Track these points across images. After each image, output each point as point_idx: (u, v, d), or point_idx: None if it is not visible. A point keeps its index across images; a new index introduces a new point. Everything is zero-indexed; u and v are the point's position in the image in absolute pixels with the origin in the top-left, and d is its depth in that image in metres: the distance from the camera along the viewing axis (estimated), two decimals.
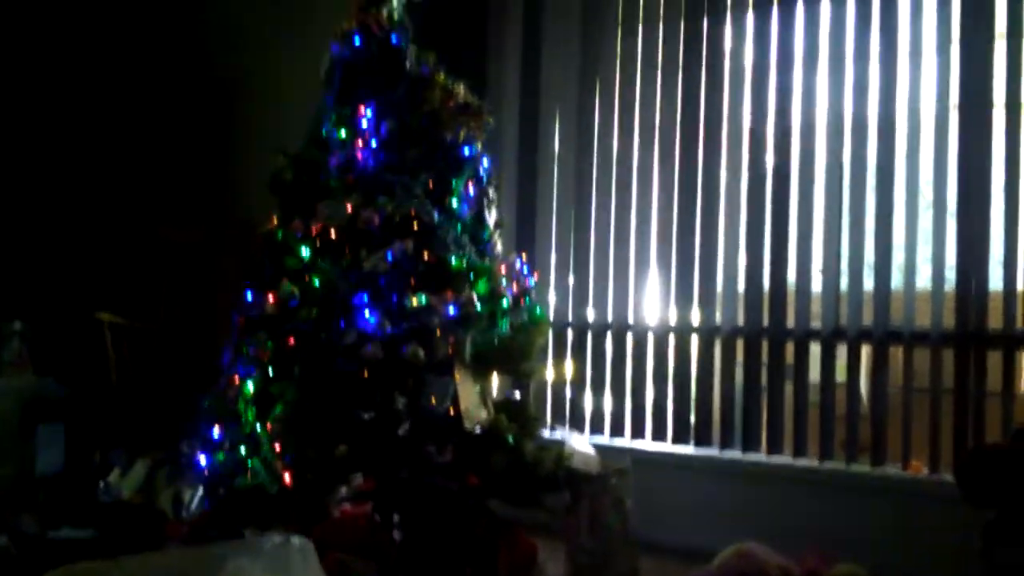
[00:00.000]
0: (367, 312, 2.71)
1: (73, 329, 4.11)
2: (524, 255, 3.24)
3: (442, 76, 2.99)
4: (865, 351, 3.47)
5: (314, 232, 2.81)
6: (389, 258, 2.76)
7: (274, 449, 2.70)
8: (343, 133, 2.91)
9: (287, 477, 2.69)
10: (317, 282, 2.76)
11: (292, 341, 2.72)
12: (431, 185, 2.92)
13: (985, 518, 2.29)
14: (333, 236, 2.80)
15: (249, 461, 2.74)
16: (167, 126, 4.66)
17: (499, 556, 2.72)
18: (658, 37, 3.81)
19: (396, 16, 3.00)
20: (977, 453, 2.69)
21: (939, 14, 3.32)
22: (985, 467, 2.19)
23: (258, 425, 2.73)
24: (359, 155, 2.86)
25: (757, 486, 3.48)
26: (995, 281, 3.25)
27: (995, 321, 3.22)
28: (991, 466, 2.17)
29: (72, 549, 2.56)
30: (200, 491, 2.84)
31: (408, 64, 2.95)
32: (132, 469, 3.00)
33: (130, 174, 4.57)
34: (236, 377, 2.77)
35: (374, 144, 2.87)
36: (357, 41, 2.94)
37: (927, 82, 3.35)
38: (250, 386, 2.75)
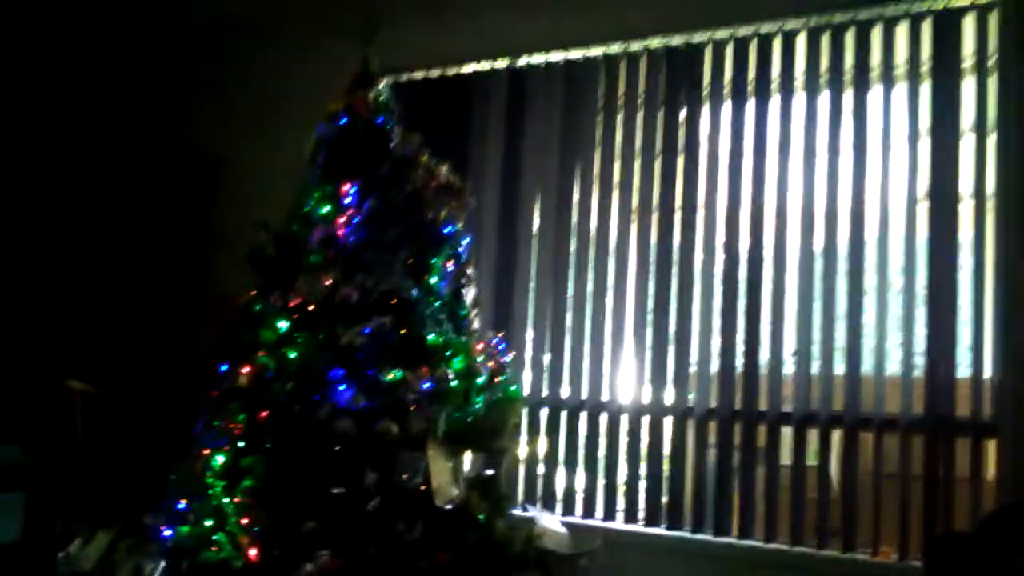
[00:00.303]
0: (342, 386, 2.70)
1: (41, 397, 4.06)
2: (501, 333, 3.26)
3: (425, 157, 3.05)
4: (836, 435, 3.50)
5: (292, 305, 2.82)
6: (366, 333, 2.77)
7: (241, 523, 2.67)
8: (326, 209, 2.95)
9: (253, 552, 2.65)
10: (293, 355, 2.76)
11: (265, 414, 2.71)
12: (411, 262, 2.95)
13: None
14: (311, 310, 2.81)
15: (215, 534, 2.70)
16: (150, 198, 4.69)
17: None
18: (636, 123, 3.91)
19: (382, 98, 3.08)
20: (945, 542, 2.70)
21: (909, 108, 3.45)
22: (953, 554, 2.20)
23: (226, 498, 2.69)
24: (341, 231, 2.90)
25: (728, 570, 3.46)
26: (963, 368, 3.31)
27: (963, 408, 3.27)
28: (959, 555, 2.18)
29: None
30: (162, 564, 2.79)
31: (392, 145, 3.02)
32: (94, 540, 2.94)
33: (110, 244, 4.58)
34: (206, 449, 2.75)
35: (356, 221, 2.91)
36: (343, 121, 3.00)
37: (897, 173, 3.46)
38: (219, 458, 2.72)
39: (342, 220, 2.92)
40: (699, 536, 3.57)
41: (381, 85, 3.12)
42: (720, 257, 3.69)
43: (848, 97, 3.55)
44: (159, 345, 4.24)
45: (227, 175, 4.77)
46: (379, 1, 4.30)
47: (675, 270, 3.76)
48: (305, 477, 2.68)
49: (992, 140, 3.32)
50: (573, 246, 3.97)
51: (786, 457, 3.52)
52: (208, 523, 2.72)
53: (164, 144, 4.76)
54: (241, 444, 2.73)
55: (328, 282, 2.82)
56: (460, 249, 3.06)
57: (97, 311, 4.40)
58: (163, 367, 4.18)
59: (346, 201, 2.94)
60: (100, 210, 4.57)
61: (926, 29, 3.44)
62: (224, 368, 2.82)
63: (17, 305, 4.27)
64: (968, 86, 3.38)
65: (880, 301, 3.42)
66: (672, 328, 3.74)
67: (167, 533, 2.77)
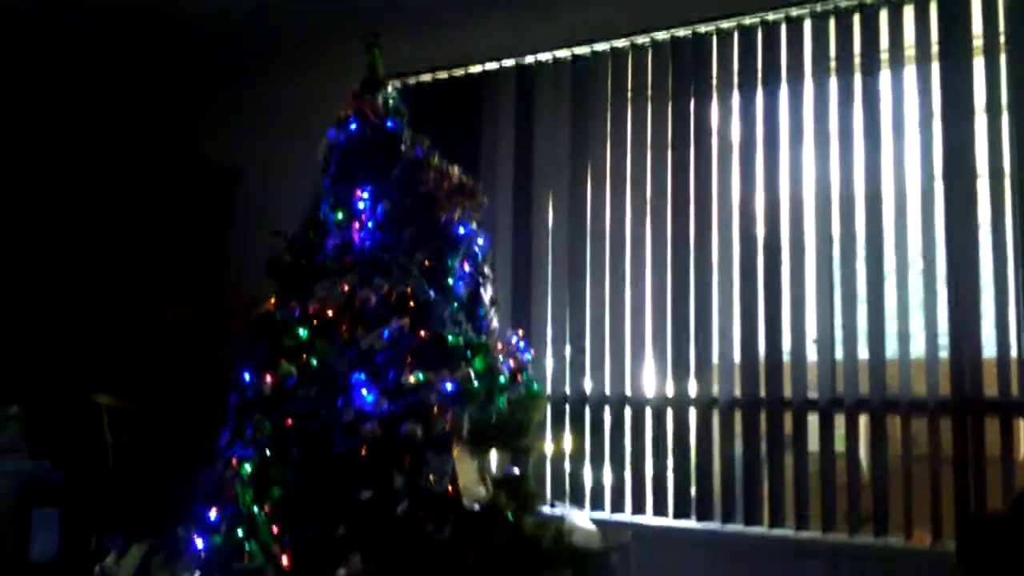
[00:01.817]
0: (364, 390, 2.71)
1: (70, 412, 4.10)
2: (520, 330, 3.26)
3: (436, 158, 3.06)
4: (863, 420, 3.48)
5: (311, 312, 2.84)
6: (386, 336, 2.77)
7: (272, 531, 2.68)
8: (340, 215, 2.96)
9: (285, 559, 2.66)
10: (314, 361, 2.77)
11: (290, 421, 2.72)
12: (427, 264, 2.95)
13: None
14: (330, 315, 2.82)
15: (247, 544, 2.71)
16: (166, 210, 4.73)
17: None
18: (647, 116, 3.91)
19: (391, 102, 3.09)
20: (977, 524, 2.68)
21: (920, 90, 3.43)
22: (986, 539, 2.18)
23: (255, 507, 2.71)
24: (356, 236, 2.91)
25: (761, 561, 3.44)
26: (989, 348, 3.28)
27: (991, 388, 3.24)
28: (992, 538, 2.16)
29: None
30: (197, 575, 2.80)
31: (403, 147, 3.03)
32: (128, 553, 2.96)
33: (129, 257, 4.62)
34: (233, 459, 2.76)
35: (370, 225, 2.92)
36: (353, 127, 3.01)
37: (911, 155, 3.43)
38: (247, 467, 2.74)
39: (356, 225, 2.93)
40: (730, 527, 3.56)
41: (389, 88, 3.13)
42: (737, 246, 3.67)
43: (858, 81, 3.53)
44: (182, 357, 4.27)
45: (241, 186, 4.81)
46: (384, 4, 4.36)
47: (692, 260, 3.75)
48: (333, 483, 2.69)
49: (1005, 119, 3.29)
50: (588, 240, 3.97)
51: (814, 444, 3.50)
52: (239, 533, 2.73)
53: (179, 159, 4.80)
54: (267, 452, 2.74)
55: (345, 287, 2.83)
56: (476, 249, 3.06)
57: (120, 325, 4.44)
58: (186, 379, 4.21)
59: (360, 206, 2.95)
60: (121, 227, 4.61)
61: (933, 10, 3.41)
62: (247, 377, 2.84)
63: (43, 321, 4.32)
64: (978, 66, 3.35)
65: (901, 284, 3.39)
66: (692, 319, 3.73)
67: (200, 544, 2.79)
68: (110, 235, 4.60)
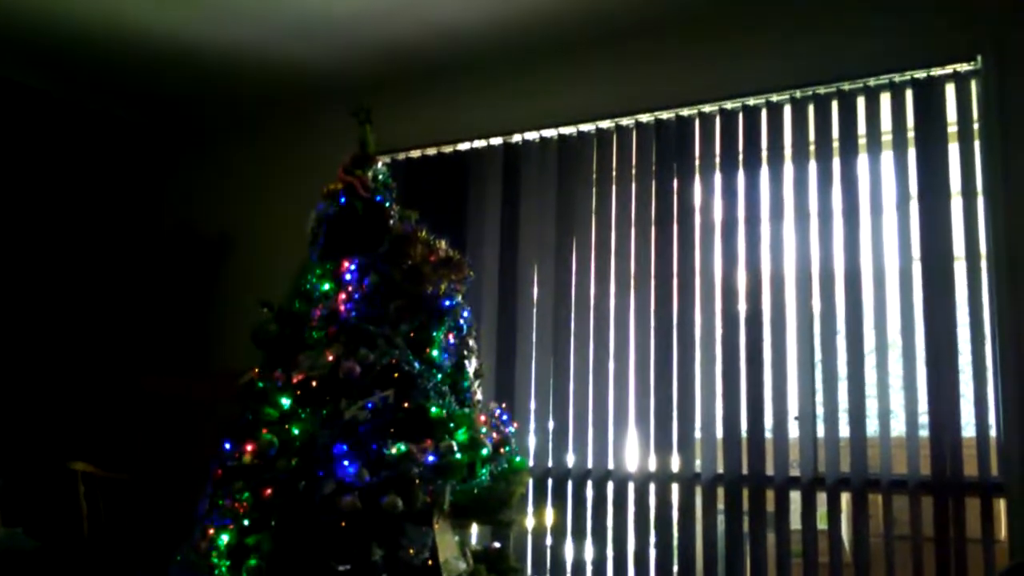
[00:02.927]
0: (346, 461, 2.71)
1: (45, 479, 4.05)
2: (503, 403, 3.27)
3: (424, 232, 3.11)
4: (845, 498, 3.48)
5: (295, 382, 2.85)
6: (369, 407, 2.78)
7: None
8: (327, 286, 3.00)
9: None
10: (296, 431, 2.77)
11: (269, 491, 2.70)
12: (412, 335, 2.98)
13: None
14: (314, 386, 2.83)
15: None
16: (154, 278, 4.75)
17: None
18: (631, 193, 3.99)
19: (381, 176, 3.15)
20: None
21: (897, 173, 3.52)
22: None
23: None
24: (342, 307, 2.94)
25: None
26: (968, 429, 3.30)
27: (970, 468, 3.25)
28: None
29: None
30: None
31: (391, 222, 3.08)
32: None
33: (114, 325, 4.63)
34: (211, 528, 2.74)
35: (357, 297, 2.96)
36: (343, 200, 3.07)
37: (889, 235, 3.51)
38: (224, 537, 2.71)
39: (343, 296, 2.96)
40: None
41: (379, 164, 3.19)
42: (719, 323, 3.72)
43: (836, 164, 3.62)
44: (164, 427, 4.24)
45: (230, 254, 4.85)
46: (376, 80, 4.48)
47: (675, 336, 3.78)
48: (311, 554, 2.67)
49: (980, 202, 3.37)
50: (573, 314, 4.00)
51: (796, 522, 3.50)
52: None
53: (168, 228, 4.84)
54: (246, 522, 2.72)
55: (330, 358, 2.85)
56: (461, 321, 3.09)
57: (102, 394, 4.42)
58: (168, 448, 4.17)
59: (347, 277, 2.98)
60: (108, 295, 4.63)
61: (909, 97, 3.53)
62: (228, 446, 2.83)
63: (20, 386, 4.29)
64: (953, 151, 3.45)
65: (880, 363, 3.43)
66: (675, 394, 3.75)
67: None
68: (96, 302, 4.61)
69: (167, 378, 4.32)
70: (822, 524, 3.47)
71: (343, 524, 2.67)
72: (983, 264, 3.34)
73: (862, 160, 3.59)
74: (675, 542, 3.66)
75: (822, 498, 3.46)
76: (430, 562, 2.74)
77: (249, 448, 2.77)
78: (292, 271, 3.13)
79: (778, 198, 3.70)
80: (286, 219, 3.46)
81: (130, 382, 4.33)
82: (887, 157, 3.57)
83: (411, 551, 2.71)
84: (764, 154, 3.76)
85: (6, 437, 4.14)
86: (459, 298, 3.10)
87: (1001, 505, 3.24)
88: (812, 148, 3.67)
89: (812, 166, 3.66)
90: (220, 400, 3.06)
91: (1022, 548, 3.00)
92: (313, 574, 2.65)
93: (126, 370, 4.45)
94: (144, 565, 3.04)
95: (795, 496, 3.51)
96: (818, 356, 3.54)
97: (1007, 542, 3.17)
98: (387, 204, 3.10)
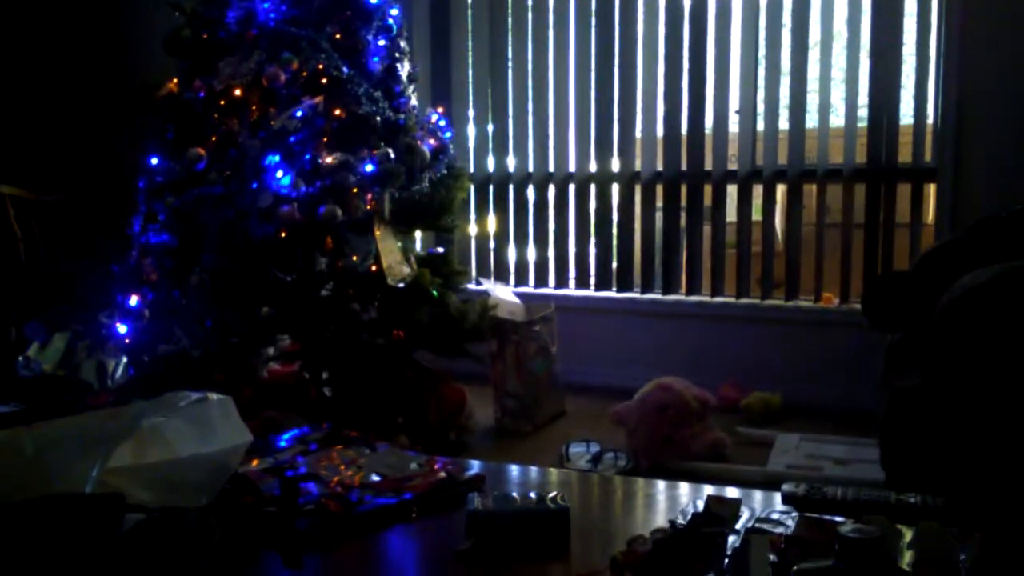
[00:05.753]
0: (280, 172, 2.64)
1: None
2: (440, 108, 3.17)
3: None
4: (780, 190, 3.55)
5: (217, 92, 2.70)
6: (299, 116, 2.67)
7: (195, 314, 2.68)
8: None
9: (211, 341, 2.68)
10: (224, 143, 2.67)
11: (203, 204, 2.65)
12: (338, 38, 2.80)
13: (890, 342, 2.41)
14: (238, 95, 2.69)
15: (171, 327, 2.72)
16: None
17: (428, 405, 2.79)
18: None
19: None
20: (883, 279, 2.80)
21: None
22: (889, 291, 2.28)
23: (176, 291, 2.69)
24: (259, 7, 2.72)
25: (676, 325, 3.59)
26: (906, 117, 3.32)
27: (904, 155, 3.31)
28: (895, 290, 2.26)
29: None
30: (123, 360, 2.82)
31: None
32: (51, 343, 2.95)
33: (23, 48, 4.29)
34: (147, 244, 2.70)
35: None
36: None
37: None
38: (164, 252, 2.69)
39: None
40: (648, 295, 3.68)
41: None
42: (663, 18, 3.56)
43: None
44: (85, 145, 4.08)
45: None
46: None
47: (617, 34, 3.63)
48: (254, 266, 2.67)
49: None
50: (511, 13, 3.80)
51: (732, 215, 3.58)
52: (162, 317, 2.73)
53: None
54: (183, 237, 2.68)
55: (252, 65, 2.68)
56: (390, 21, 2.90)
57: (22, 115, 4.20)
58: (92, 166, 4.04)
59: None
60: (17, 17, 4.25)
61: None
62: (155, 161, 2.73)
63: None
64: None
65: (824, 55, 3.36)
66: (616, 94, 3.67)
67: (123, 331, 2.78)
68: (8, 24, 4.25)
69: (83, 97, 4.09)
70: (757, 215, 3.56)
71: (283, 235, 2.66)
72: None
73: None
74: (614, 241, 3.75)
75: (758, 191, 3.52)
76: (374, 268, 2.77)
77: (177, 162, 2.67)
78: None
79: None
80: None
81: (47, 104, 4.10)
82: None
83: (354, 258, 2.73)
84: None
85: None
86: None
87: (931, 190, 3.33)
88: None
89: None
90: (139, 114, 2.90)
91: (948, 230, 3.12)
92: (258, 285, 2.67)
93: (41, 92, 4.19)
94: (85, 284, 3.03)
95: (732, 190, 3.57)
96: (762, 51, 3.45)
97: (934, 225, 3.30)
98: None
